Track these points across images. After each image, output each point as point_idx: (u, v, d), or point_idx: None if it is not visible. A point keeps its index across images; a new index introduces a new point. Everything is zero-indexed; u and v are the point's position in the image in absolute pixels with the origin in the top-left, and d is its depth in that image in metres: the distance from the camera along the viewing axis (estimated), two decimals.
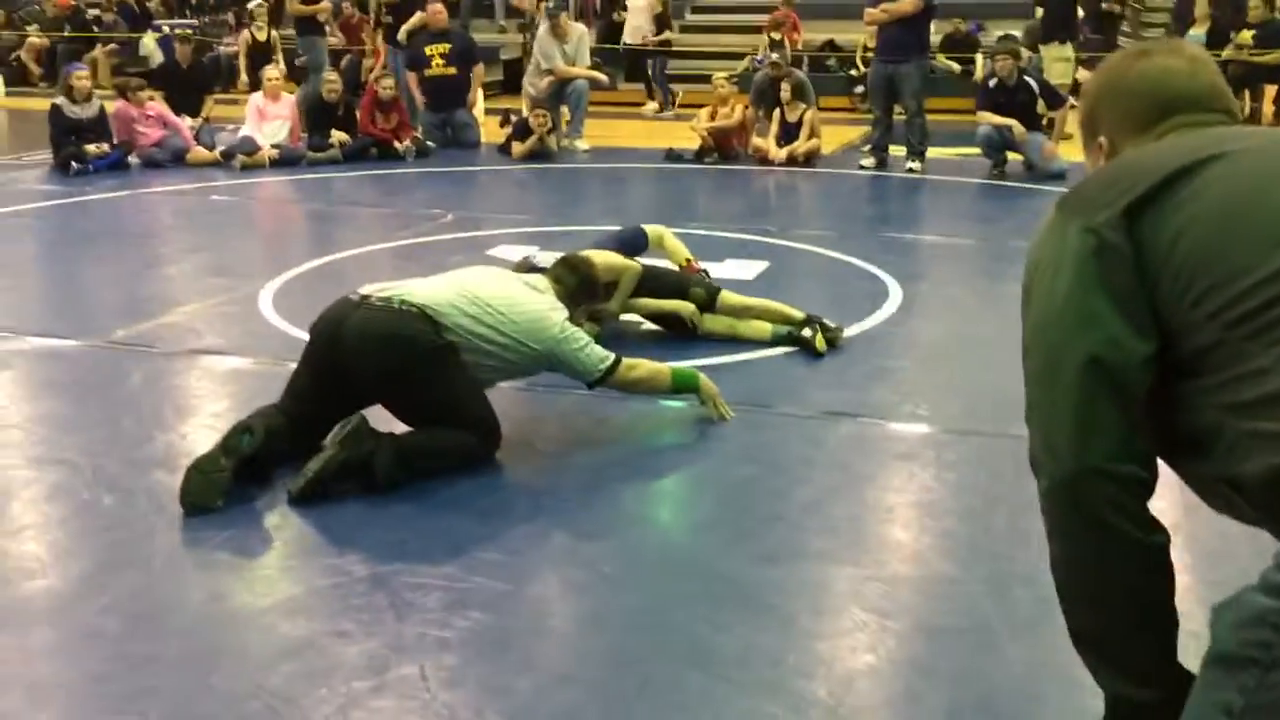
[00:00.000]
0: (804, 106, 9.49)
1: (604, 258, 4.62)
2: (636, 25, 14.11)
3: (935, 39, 13.78)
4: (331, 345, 3.31)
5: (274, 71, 9.79)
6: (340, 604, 2.62)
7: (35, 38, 15.80)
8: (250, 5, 12.59)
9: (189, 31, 11.43)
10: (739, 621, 2.52)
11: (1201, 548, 2.74)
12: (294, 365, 3.48)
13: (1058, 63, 11.14)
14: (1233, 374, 1.29)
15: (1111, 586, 1.43)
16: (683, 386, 3.76)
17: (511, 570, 2.78)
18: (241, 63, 11.44)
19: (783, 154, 9.31)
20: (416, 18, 10.81)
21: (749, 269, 5.90)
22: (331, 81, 9.67)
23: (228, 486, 3.09)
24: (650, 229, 5.11)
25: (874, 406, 3.93)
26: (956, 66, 13.31)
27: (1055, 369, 1.42)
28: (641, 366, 3.65)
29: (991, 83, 8.85)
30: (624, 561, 2.85)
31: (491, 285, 3.50)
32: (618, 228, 5.39)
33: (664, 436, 3.75)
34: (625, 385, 3.62)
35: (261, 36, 11.50)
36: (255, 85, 10.54)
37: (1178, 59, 1.59)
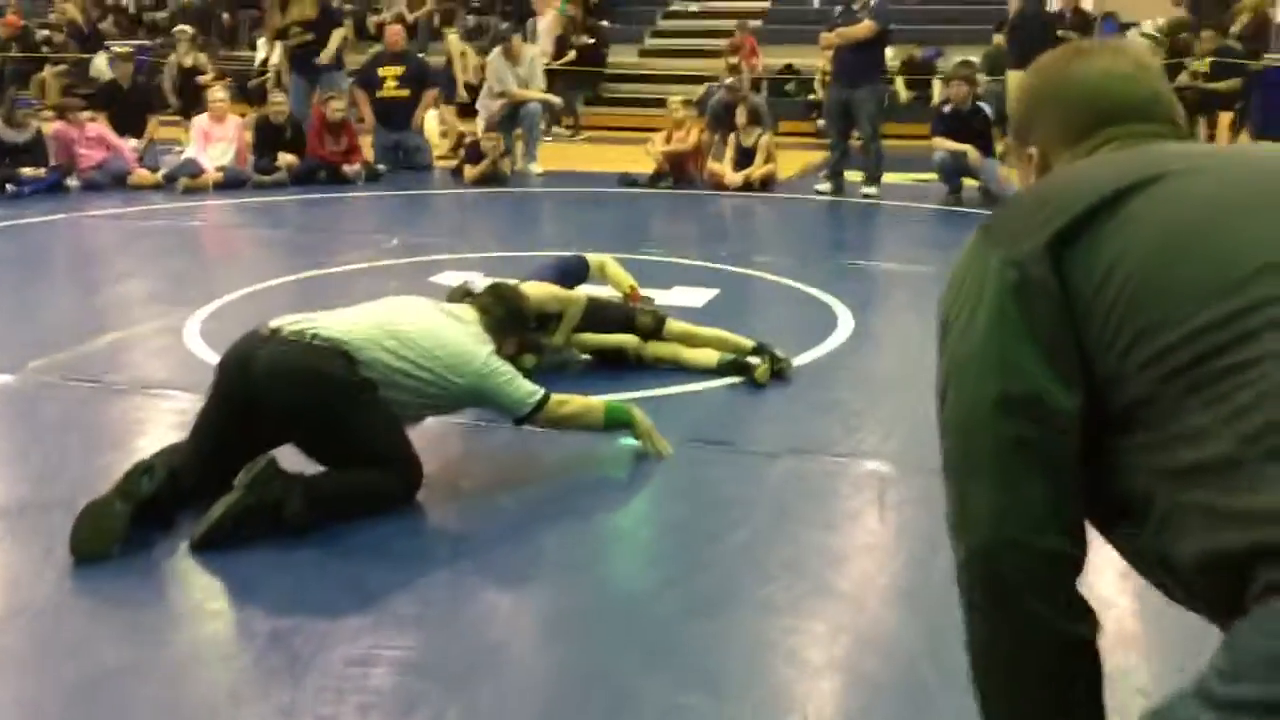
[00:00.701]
0: (759, 131, 9.40)
1: (548, 290, 4.48)
2: (544, 48, 14.03)
3: (893, 64, 13.81)
4: (240, 380, 3.12)
5: (220, 93, 9.58)
6: (233, 663, 2.43)
7: None
8: (175, 30, 12.34)
9: (129, 50, 11.18)
10: (668, 677, 2.34)
11: (1159, 624, 2.59)
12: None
13: None
14: (1168, 434, 1.11)
15: (1025, 676, 1.25)
16: (616, 422, 3.58)
17: (425, 623, 2.59)
18: (167, 85, 11.13)
19: (738, 178, 9.20)
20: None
21: (698, 296, 5.75)
22: (278, 103, 9.47)
23: (124, 533, 2.87)
24: (592, 257, 4.97)
25: (818, 441, 3.77)
26: (907, 93, 13.30)
27: (970, 423, 1.24)
28: (572, 402, 3.47)
29: (946, 108, 8.81)
30: (549, 612, 2.68)
31: (411, 317, 3.31)
32: (563, 254, 5.25)
33: (597, 475, 3.58)
34: (555, 421, 3.44)
35: (188, 62, 11.25)
36: (187, 110, 10.32)
37: (1119, 61, 1.40)
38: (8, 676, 2.35)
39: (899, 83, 13.44)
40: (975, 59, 12.99)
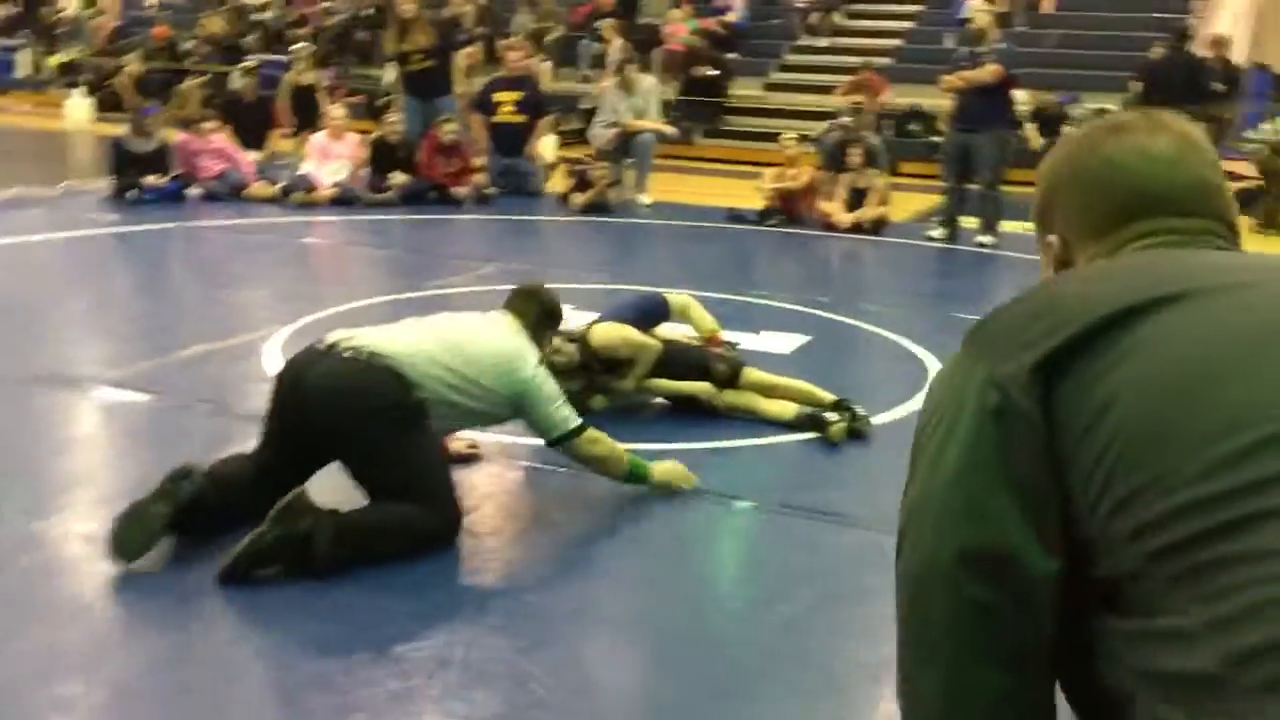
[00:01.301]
0: (874, 172, 9.14)
1: (620, 334, 4.36)
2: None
3: (1024, 108, 13.37)
4: (292, 395, 3.10)
5: (338, 111, 9.75)
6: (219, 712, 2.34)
7: (133, 66, 16.17)
8: (294, 48, 12.62)
9: (254, 65, 11.47)
10: None
11: None
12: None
13: None
14: (1152, 627, 0.90)
15: None
16: (635, 478, 3.51)
17: (450, 667, 2.46)
18: (282, 104, 11.28)
19: (848, 220, 8.96)
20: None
21: (786, 342, 5.55)
22: (393, 122, 9.59)
23: (160, 534, 2.90)
24: (673, 298, 4.81)
25: (883, 515, 3.53)
26: (1039, 139, 12.81)
27: (925, 580, 1.02)
28: (603, 443, 3.42)
29: None
30: (563, 679, 2.53)
31: (462, 330, 3.32)
32: (648, 289, 5.13)
33: (646, 526, 3.41)
34: (582, 456, 3.41)
35: (305, 79, 11.49)
36: (302, 127, 10.52)
37: (1160, 140, 1.16)
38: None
39: (1029, 129, 13.00)
40: (1112, 106, 12.51)
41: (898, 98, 14.11)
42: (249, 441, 3.83)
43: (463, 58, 11.36)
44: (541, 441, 3.42)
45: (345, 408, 3.03)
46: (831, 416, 4.17)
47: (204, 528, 3.00)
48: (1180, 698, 0.85)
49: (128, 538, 2.86)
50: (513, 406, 3.32)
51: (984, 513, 0.99)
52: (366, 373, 3.06)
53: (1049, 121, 13.10)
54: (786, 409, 4.31)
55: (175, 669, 2.50)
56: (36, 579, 2.86)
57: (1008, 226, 8.79)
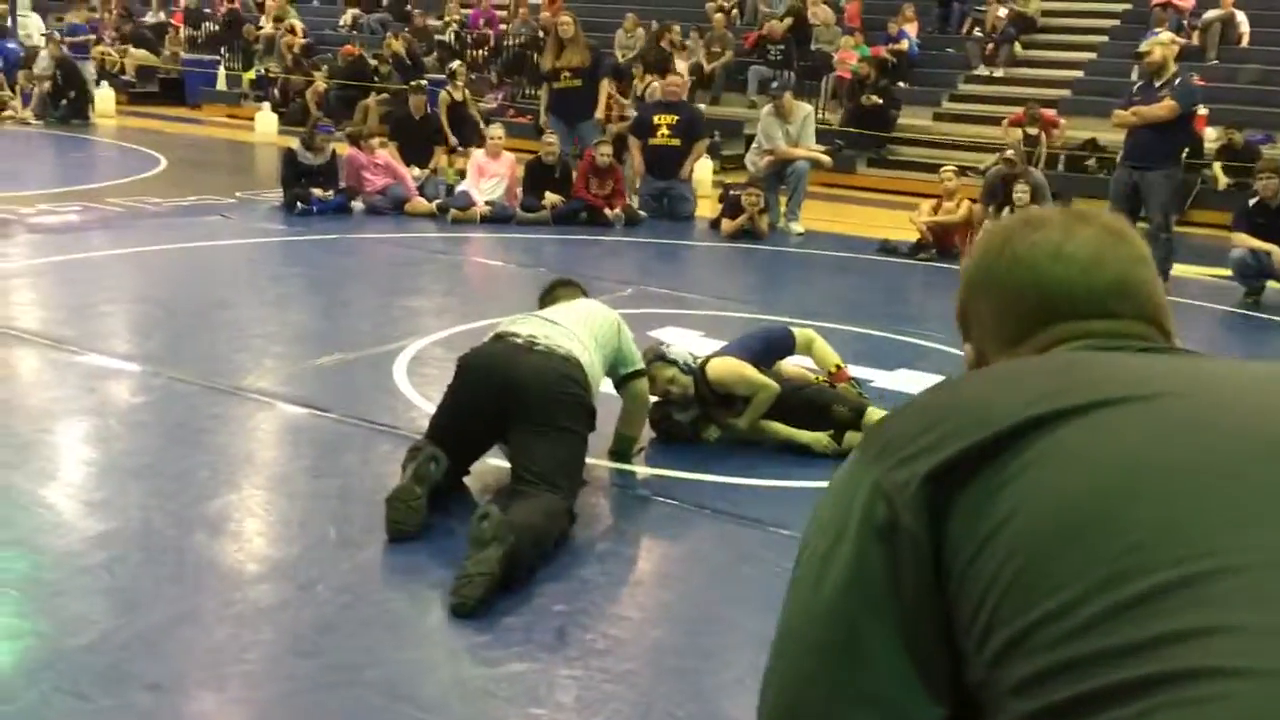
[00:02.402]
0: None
1: (739, 372, 4.31)
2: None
3: (1211, 146, 12.68)
4: (499, 383, 3.43)
5: (497, 130, 9.98)
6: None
7: (321, 82, 16.96)
8: (452, 65, 12.95)
9: (422, 83, 11.84)
10: None
11: None
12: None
13: None
14: None
15: None
16: (623, 451, 4.08)
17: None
18: (444, 120, 11.65)
19: None
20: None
21: (918, 382, 5.37)
22: (550, 144, 9.75)
23: (426, 513, 3.30)
24: (799, 332, 4.71)
25: None
26: (1224, 179, 12.11)
27: None
28: (646, 397, 4.06)
29: (1252, 201, 7.91)
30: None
31: (587, 315, 3.85)
32: (783, 320, 5.05)
33: (724, 568, 3.35)
34: (637, 394, 4.00)
35: (458, 96, 11.77)
36: (461, 144, 10.78)
37: (1078, 237, 1.04)
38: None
39: (1216, 168, 12.32)
40: None
41: (1073, 131, 13.59)
42: (369, 451, 3.95)
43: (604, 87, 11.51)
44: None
45: (557, 394, 3.41)
46: None
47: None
48: None
49: (402, 520, 3.26)
50: (609, 364, 3.82)
51: (863, 651, 0.86)
52: (570, 368, 3.49)
53: (1237, 159, 12.40)
54: None
55: (268, 675, 2.56)
56: (151, 573, 2.98)
57: (1181, 270, 8.33)
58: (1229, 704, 0.68)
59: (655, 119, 10.39)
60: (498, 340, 3.60)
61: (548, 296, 4.19)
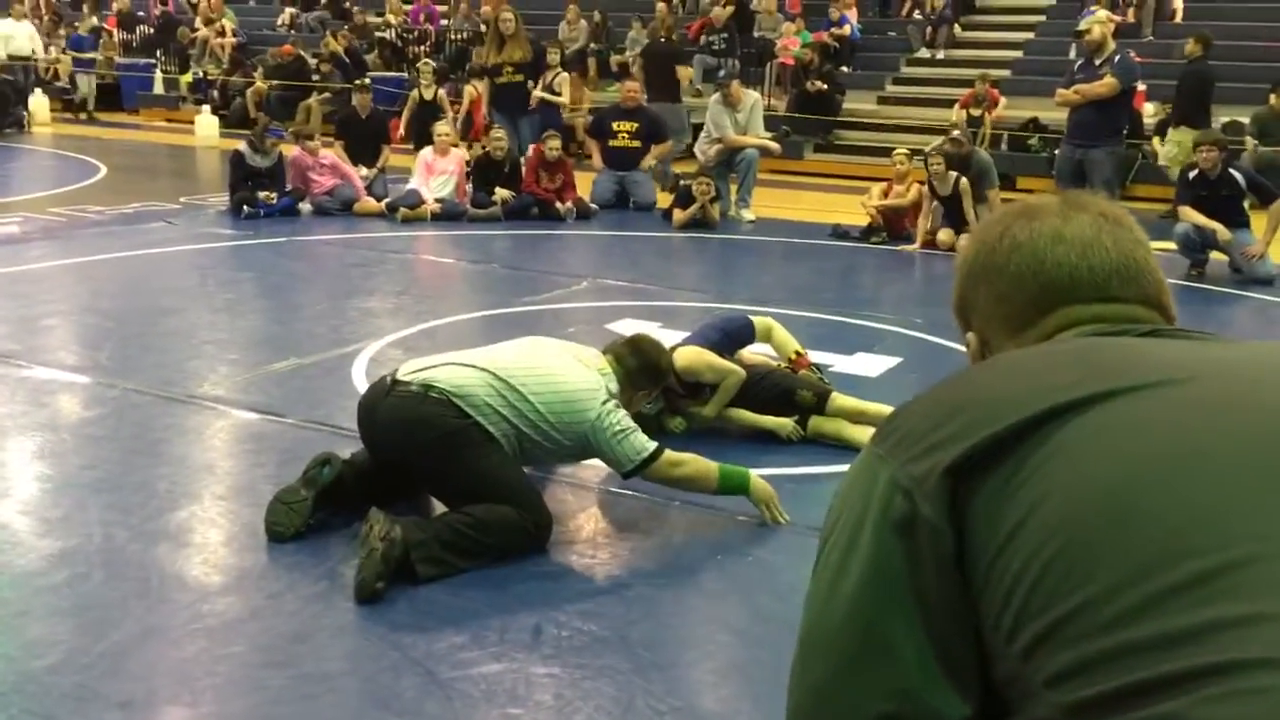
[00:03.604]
0: (955, 176, 8.80)
1: (705, 359, 4.32)
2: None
3: (1151, 121, 12.86)
4: (367, 427, 3.42)
5: (444, 127, 9.91)
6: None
7: (260, 83, 16.73)
8: (419, 64, 12.86)
9: (366, 81, 11.71)
10: None
11: None
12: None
13: None
14: None
15: None
16: (730, 488, 3.51)
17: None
18: (403, 118, 11.59)
19: (948, 239, 8.71)
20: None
21: (876, 365, 5.41)
22: (498, 139, 9.69)
23: (308, 516, 3.25)
24: (758, 320, 4.73)
25: None
26: (1163, 152, 12.29)
27: None
28: (687, 464, 3.46)
29: (1192, 174, 8.04)
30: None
31: (532, 363, 3.40)
32: (741, 308, 5.07)
33: (735, 558, 3.35)
34: (664, 479, 3.46)
35: (429, 95, 11.68)
36: (419, 142, 10.71)
37: (1076, 222, 1.05)
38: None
39: (1155, 142, 12.51)
40: (1244, 120, 11.94)
41: (1014, 110, 13.73)
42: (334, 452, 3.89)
43: (567, 81, 11.52)
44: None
45: (406, 441, 3.25)
46: None
47: (347, 504, 3.32)
48: None
49: (279, 521, 3.22)
50: (581, 449, 3.40)
51: (886, 648, 0.86)
52: (421, 406, 3.25)
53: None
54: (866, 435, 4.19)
55: (229, 693, 2.53)
56: (114, 588, 2.93)
57: None
58: (1270, 697, 0.68)
59: (614, 125, 10.43)
60: (378, 381, 3.50)
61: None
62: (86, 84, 17.99)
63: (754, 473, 3.58)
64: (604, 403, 3.33)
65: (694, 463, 3.47)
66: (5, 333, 5.45)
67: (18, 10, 17.90)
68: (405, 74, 17.02)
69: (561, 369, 3.39)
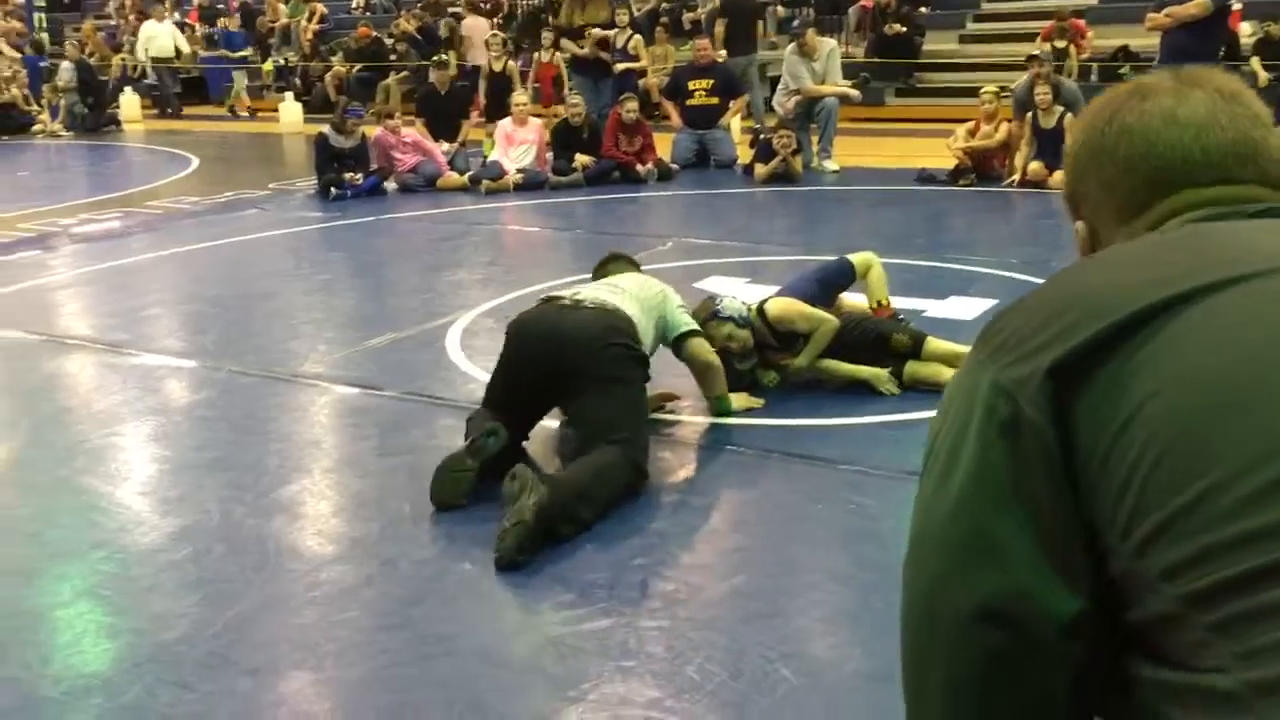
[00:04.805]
0: (1061, 110, 8.61)
1: (797, 308, 4.30)
2: None
3: (1248, 41, 12.36)
4: (547, 342, 3.47)
5: (521, 97, 9.93)
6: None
7: (339, 66, 16.96)
8: (487, 37, 12.86)
9: (444, 57, 11.78)
10: None
11: None
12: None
13: None
14: (1191, 681, 0.75)
15: None
16: (722, 410, 3.97)
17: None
18: (480, 94, 11.59)
19: (1040, 173, 8.49)
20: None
21: (971, 308, 5.32)
22: (575, 105, 9.70)
23: (473, 486, 3.30)
24: (857, 258, 4.66)
25: None
26: (1265, 75, 11.79)
27: (927, 620, 0.89)
28: (713, 353, 3.92)
29: None
30: (722, 664, 2.50)
31: (634, 280, 3.93)
32: (831, 259, 5.01)
33: (813, 506, 3.35)
34: (697, 356, 3.86)
35: (498, 67, 11.69)
36: (495, 115, 10.75)
37: (1190, 101, 1.00)
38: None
39: (1254, 63, 12.02)
40: None
41: (1104, 40, 13.30)
42: (433, 425, 3.99)
43: (641, 42, 11.47)
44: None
45: (605, 346, 3.43)
46: None
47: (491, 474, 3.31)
48: None
49: (445, 491, 3.29)
50: (659, 331, 3.77)
51: (995, 547, 0.85)
52: (615, 319, 3.53)
53: (1276, 53, 12.08)
54: None
55: (354, 652, 2.60)
56: (230, 563, 3.04)
57: None
58: None
59: (690, 84, 10.38)
60: (544, 303, 3.69)
61: (599, 271, 4.20)
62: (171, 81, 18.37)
63: (848, 423, 3.60)
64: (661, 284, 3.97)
65: (719, 365, 3.93)
66: (114, 323, 5.64)
67: (158, 11, 18.38)
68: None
69: (637, 281, 3.92)
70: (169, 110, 17.76)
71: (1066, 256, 6.66)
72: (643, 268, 6.26)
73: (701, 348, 3.87)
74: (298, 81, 17.70)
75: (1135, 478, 0.80)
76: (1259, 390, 0.77)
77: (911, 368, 4.29)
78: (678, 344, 3.84)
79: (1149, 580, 0.79)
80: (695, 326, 3.89)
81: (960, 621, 0.87)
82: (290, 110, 15.58)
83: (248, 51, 18.90)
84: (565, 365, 3.42)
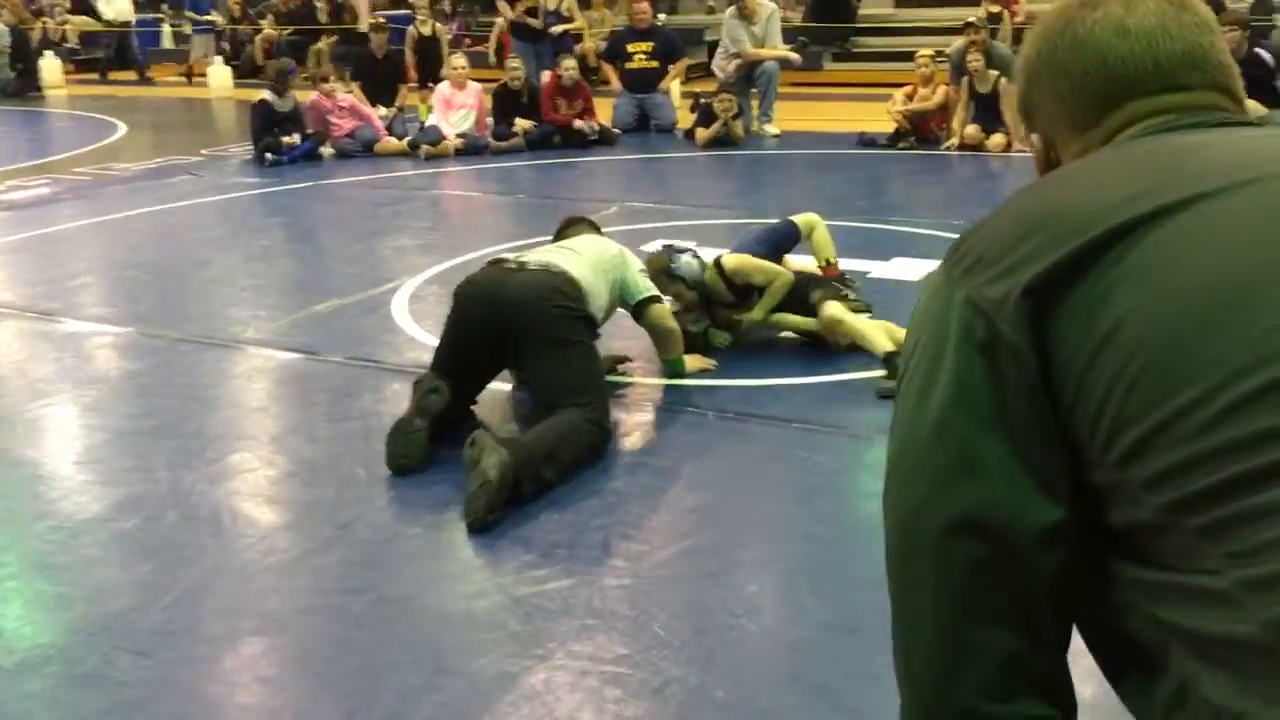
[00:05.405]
0: (995, 74, 8.71)
1: (753, 262, 4.33)
2: None
3: None
4: (490, 304, 3.47)
5: (460, 60, 9.80)
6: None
7: (269, 29, 16.58)
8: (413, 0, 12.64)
9: (381, 20, 11.57)
10: (799, 699, 2.13)
11: None
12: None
13: None
14: (1179, 581, 0.79)
15: None
16: (676, 372, 3.98)
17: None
18: (409, 58, 11.34)
19: (976, 136, 8.58)
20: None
21: (915, 268, 5.37)
22: (514, 69, 9.59)
23: (426, 448, 3.28)
24: (801, 219, 4.68)
25: None
26: None
27: (911, 537, 0.91)
28: (672, 318, 3.93)
29: None
30: (685, 621, 2.51)
31: (586, 242, 3.91)
32: (768, 222, 5.01)
33: (767, 463, 3.37)
34: (657, 322, 3.86)
35: (426, 30, 11.51)
36: (425, 79, 10.56)
37: (1138, 9, 1.00)
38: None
39: None
40: None
41: (1039, 4, 13.43)
42: (382, 390, 3.95)
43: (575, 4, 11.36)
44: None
45: (548, 307, 3.42)
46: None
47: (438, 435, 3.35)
48: (1222, 660, 0.75)
49: (400, 454, 3.26)
50: (616, 294, 3.77)
51: (975, 463, 0.87)
52: (559, 280, 3.50)
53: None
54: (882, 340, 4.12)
55: (309, 615, 2.58)
56: (181, 532, 2.98)
57: None
58: None
59: (629, 47, 10.31)
60: (490, 266, 3.67)
61: (559, 234, 4.19)
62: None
63: (797, 383, 3.63)
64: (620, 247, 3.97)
65: (677, 329, 3.96)
66: (45, 291, 5.49)
67: None
68: (410, 10, 16.82)
69: (592, 244, 3.89)
70: (105, 76, 17.25)
71: None
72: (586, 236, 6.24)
73: (661, 313, 3.88)
74: (226, 46, 17.27)
75: (1115, 392, 0.81)
76: (1236, 304, 0.79)
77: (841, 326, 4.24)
78: (638, 310, 3.84)
79: (1131, 490, 0.81)
80: (655, 292, 3.89)
81: (944, 536, 0.88)
82: (219, 75, 15.22)
83: (214, 16, 18.34)
84: (509, 326, 3.42)
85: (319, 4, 16.72)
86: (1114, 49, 1.00)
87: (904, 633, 0.94)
